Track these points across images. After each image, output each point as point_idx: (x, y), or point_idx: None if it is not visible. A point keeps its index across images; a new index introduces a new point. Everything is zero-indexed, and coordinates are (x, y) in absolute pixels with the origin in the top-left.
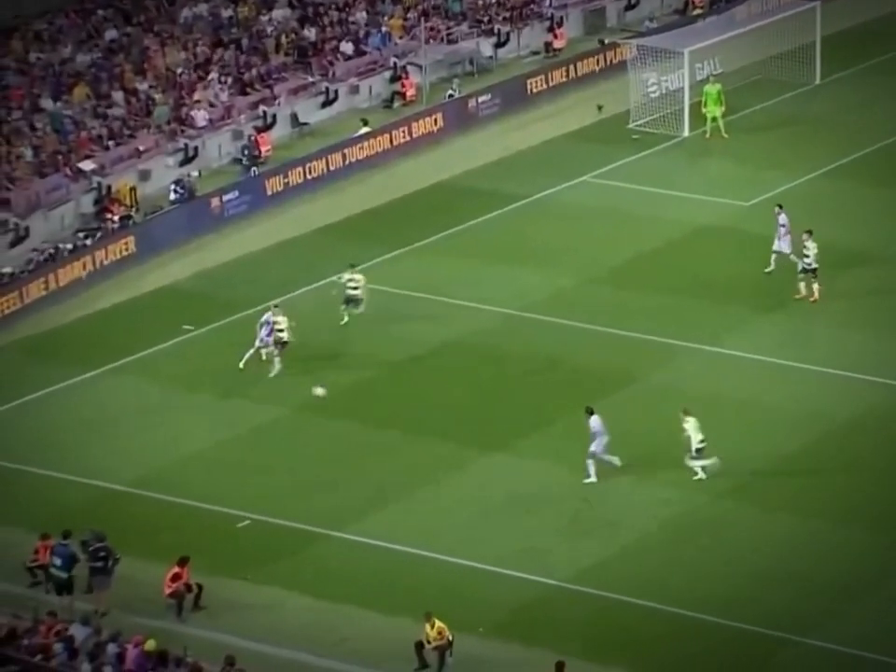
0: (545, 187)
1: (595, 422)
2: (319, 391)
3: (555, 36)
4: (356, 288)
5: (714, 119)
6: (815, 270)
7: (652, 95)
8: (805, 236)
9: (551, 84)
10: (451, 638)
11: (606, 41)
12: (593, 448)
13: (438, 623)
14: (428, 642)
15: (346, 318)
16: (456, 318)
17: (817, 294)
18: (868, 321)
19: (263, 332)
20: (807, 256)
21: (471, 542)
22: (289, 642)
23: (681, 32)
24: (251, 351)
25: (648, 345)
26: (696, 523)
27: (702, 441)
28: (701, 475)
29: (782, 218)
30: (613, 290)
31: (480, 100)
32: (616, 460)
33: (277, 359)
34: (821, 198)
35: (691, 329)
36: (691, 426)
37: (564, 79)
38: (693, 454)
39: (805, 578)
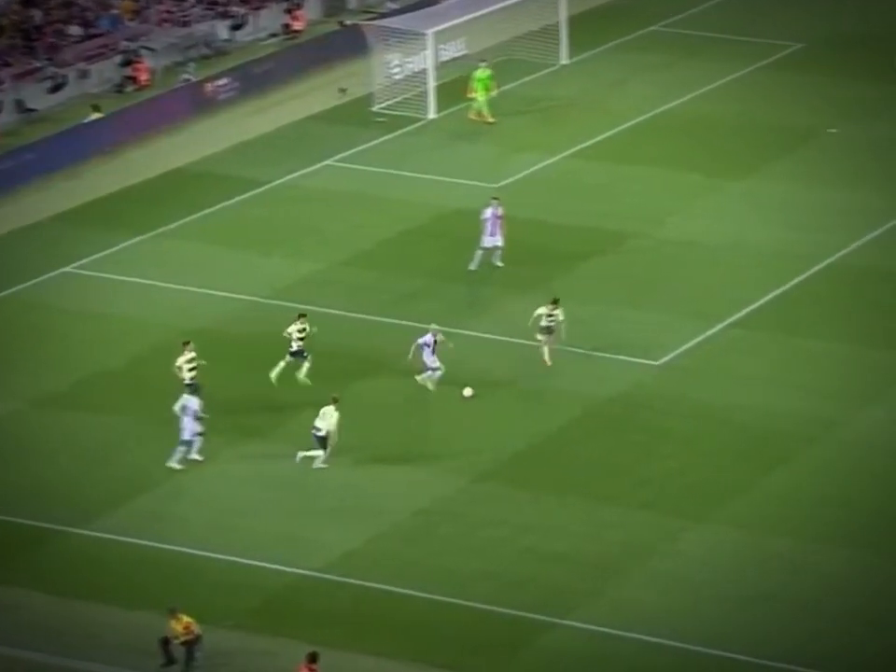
0: (288, 171)
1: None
2: (468, 392)
3: (294, 18)
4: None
5: (481, 104)
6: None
7: (397, 77)
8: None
9: (291, 67)
10: (199, 633)
11: (347, 23)
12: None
13: (185, 619)
14: (175, 638)
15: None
16: (200, 307)
17: (548, 358)
18: (615, 302)
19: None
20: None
21: (220, 532)
22: (32, 642)
23: (425, 13)
24: None
25: (398, 329)
26: (452, 507)
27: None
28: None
29: (489, 212)
30: (361, 274)
31: (217, 84)
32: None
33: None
34: (572, 178)
35: (441, 312)
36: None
37: (304, 62)
38: None
39: (567, 558)
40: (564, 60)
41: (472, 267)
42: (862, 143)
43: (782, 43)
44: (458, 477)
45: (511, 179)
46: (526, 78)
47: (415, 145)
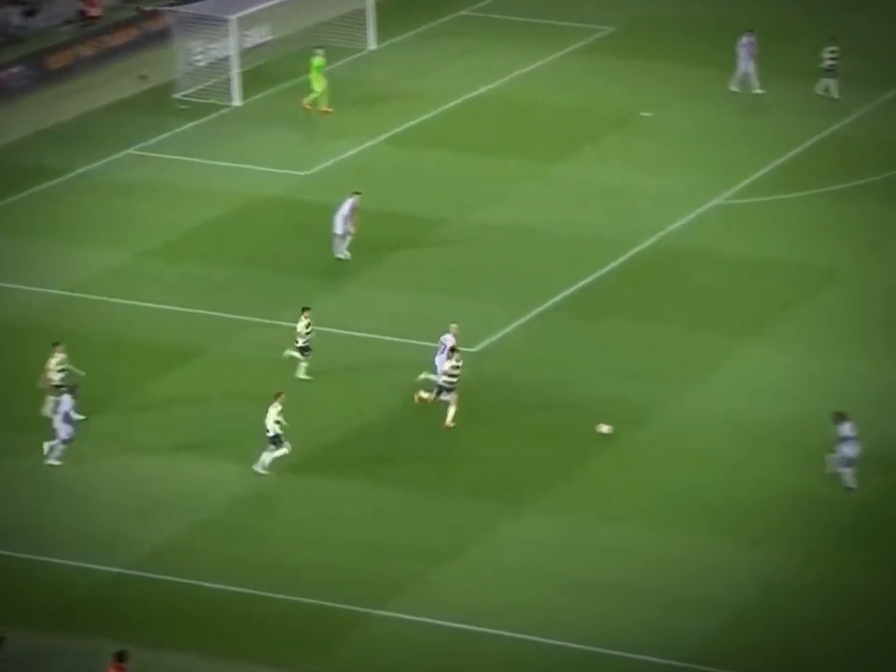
0: (88, 161)
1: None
2: (605, 429)
3: (90, 4)
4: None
5: (318, 92)
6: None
7: (200, 64)
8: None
9: (88, 54)
10: (2, 636)
11: (145, 9)
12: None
13: None
14: None
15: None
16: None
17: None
18: (429, 290)
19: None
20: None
21: (23, 531)
22: None
23: None
24: None
25: (208, 320)
26: (267, 500)
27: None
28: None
29: (350, 203)
30: (168, 266)
31: (10, 71)
32: None
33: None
34: (384, 165)
35: (250, 302)
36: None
37: (102, 49)
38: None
39: (386, 548)
40: (372, 45)
41: (339, 255)
42: (676, 126)
43: (593, 27)
44: (276, 471)
45: (320, 167)
46: (334, 64)
47: (221, 132)
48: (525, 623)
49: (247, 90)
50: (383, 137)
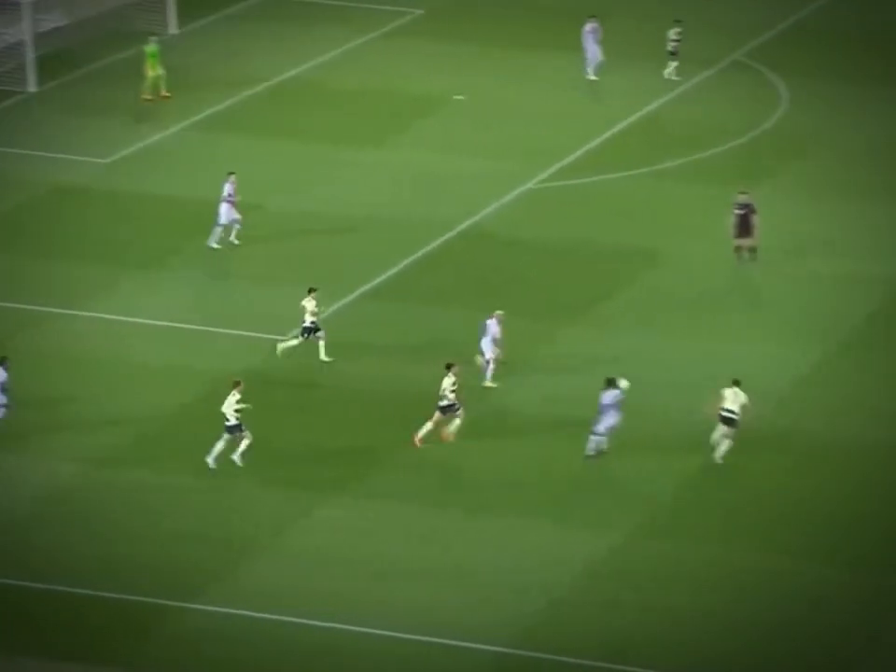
0: None
1: None
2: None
3: None
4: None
5: (153, 79)
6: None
7: None
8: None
9: None
10: None
11: None
12: None
13: None
14: None
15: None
16: None
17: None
18: (240, 277)
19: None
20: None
21: None
22: None
23: None
24: None
25: (6, 312)
26: (72, 494)
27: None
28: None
29: (229, 187)
30: None
31: None
32: None
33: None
34: (189, 151)
35: (51, 293)
36: None
37: None
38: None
39: (197, 539)
40: (173, 29)
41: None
42: (489, 109)
43: (402, 9)
44: (78, 463)
45: (122, 153)
46: (134, 50)
47: (17, 119)
48: (340, 612)
49: (44, 75)
50: (187, 123)
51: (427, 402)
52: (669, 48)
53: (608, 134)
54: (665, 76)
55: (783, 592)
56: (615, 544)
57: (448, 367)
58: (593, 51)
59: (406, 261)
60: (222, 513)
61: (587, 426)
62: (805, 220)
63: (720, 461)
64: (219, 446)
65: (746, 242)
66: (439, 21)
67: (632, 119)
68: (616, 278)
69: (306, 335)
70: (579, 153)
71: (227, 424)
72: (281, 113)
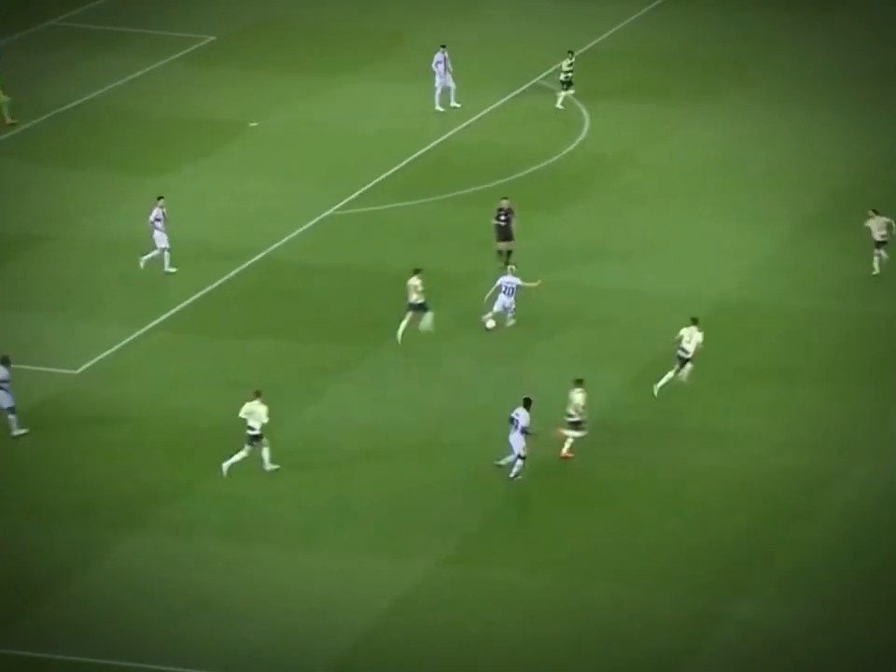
0: None
1: None
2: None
3: None
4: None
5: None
6: None
7: None
8: None
9: None
10: None
11: None
12: None
13: None
14: None
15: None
16: None
17: None
18: (27, 308)
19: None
20: None
21: None
22: None
23: None
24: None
25: None
26: None
27: None
28: None
29: (157, 211)
30: None
31: None
32: None
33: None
34: None
35: None
36: None
37: None
38: None
39: None
40: None
41: (142, 265)
42: (286, 135)
43: (194, 36)
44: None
45: None
46: None
47: None
48: (142, 646)
49: None
50: None
51: (224, 434)
52: (562, 77)
53: (409, 160)
54: (559, 105)
55: (581, 613)
56: (426, 571)
57: (577, 382)
58: (442, 81)
59: (205, 291)
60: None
61: (391, 456)
62: (613, 235)
63: (687, 382)
64: (240, 455)
65: (505, 245)
66: (231, 48)
67: (433, 144)
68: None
69: (425, 308)
70: (379, 179)
71: (251, 433)
72: (72, 140)
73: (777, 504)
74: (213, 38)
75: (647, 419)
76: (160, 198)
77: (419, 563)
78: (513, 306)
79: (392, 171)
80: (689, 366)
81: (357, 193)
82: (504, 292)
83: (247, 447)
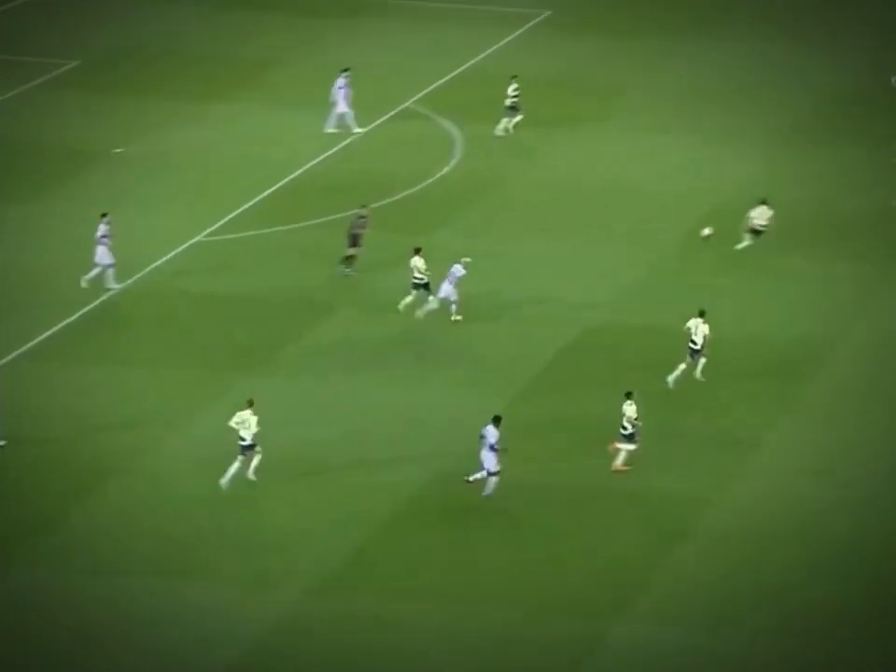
0: None
1: None
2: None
3: None
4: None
5: None
6: None
7: None
8: None
9: None
10: None
11: None
12: None
13: None
14: None
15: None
16: None
17: None
18: None
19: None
20: None
21: None
22: None
23: None
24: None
25: None
26: None
27: None
28: None
29: (103, 228)
30: None
31: None
32: None
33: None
34: None
35: None
36: None
37: None
38: None
39: None
40: None
41: (84, 284)
42: (152, 162)
43: (56, 61)
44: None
45: None
46: None
47: None
48: None
49: None
50: None
51: (99, 466)
52: (508, 103)
53: (278, 185)
54: (500, 131)
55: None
56: (294, 601)
57: (628, 395)
58: (342, 105)
59: (68, 321)
60: None
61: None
62: (496, 263)
63: (701, 378)
64: (235, 467)
65: (354, 251)
66: (94, 74)
67: (302, 170)
68: (290, 328)
69: (428, 288)
70: (248, 205)
71: (242, 444)
72: None
73: (656, 527)
74: (76, 63)
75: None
76: (104, 215)
77: (286, 594)
78: (454, 298)
79: (260, 197)
80: (702, 360)
81: (225, 220)
82: (448, 280)
83: (240, 457)
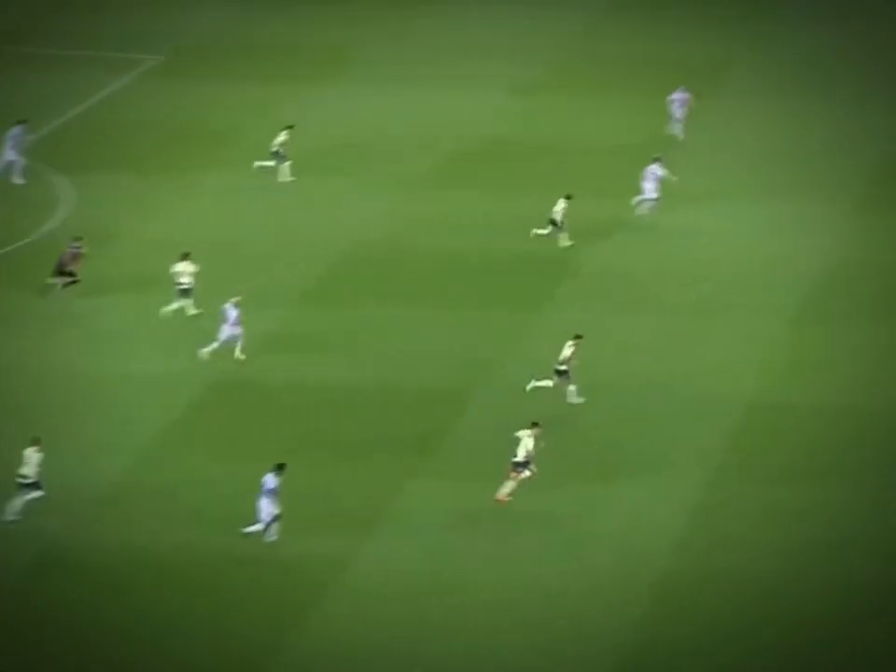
0: None
1: None
2: None
3: None
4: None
5: None
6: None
7: None
8: None
9: None
10: None
11: None
12: None
13: None
14: None
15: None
16: None
17: None
18: None
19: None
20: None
21: None
22: None
23: None
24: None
25: None
26: None
27: None
28: None
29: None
30: None
31: None
32: None
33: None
34: None
35: None
36: None
37: None
38: None
39: None
40: None
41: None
42: None
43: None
44: None
45: None
46: None
47: None
48: None
49: None
50: None
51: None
52: (275, 149)
53: None
54: (280, 178)
55: None
56: None
57: (534, 425)
58: (12, 155)
59: None
60: None
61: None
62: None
63: (579, 400)
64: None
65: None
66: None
67: None
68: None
69: (189, 295)
70: None
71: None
72: None
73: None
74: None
75: None
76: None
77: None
78: (238, 333)
79: None
80: (571, 387)
81: None
82: (225, 321)
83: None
